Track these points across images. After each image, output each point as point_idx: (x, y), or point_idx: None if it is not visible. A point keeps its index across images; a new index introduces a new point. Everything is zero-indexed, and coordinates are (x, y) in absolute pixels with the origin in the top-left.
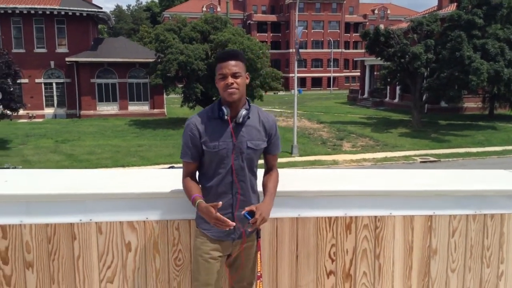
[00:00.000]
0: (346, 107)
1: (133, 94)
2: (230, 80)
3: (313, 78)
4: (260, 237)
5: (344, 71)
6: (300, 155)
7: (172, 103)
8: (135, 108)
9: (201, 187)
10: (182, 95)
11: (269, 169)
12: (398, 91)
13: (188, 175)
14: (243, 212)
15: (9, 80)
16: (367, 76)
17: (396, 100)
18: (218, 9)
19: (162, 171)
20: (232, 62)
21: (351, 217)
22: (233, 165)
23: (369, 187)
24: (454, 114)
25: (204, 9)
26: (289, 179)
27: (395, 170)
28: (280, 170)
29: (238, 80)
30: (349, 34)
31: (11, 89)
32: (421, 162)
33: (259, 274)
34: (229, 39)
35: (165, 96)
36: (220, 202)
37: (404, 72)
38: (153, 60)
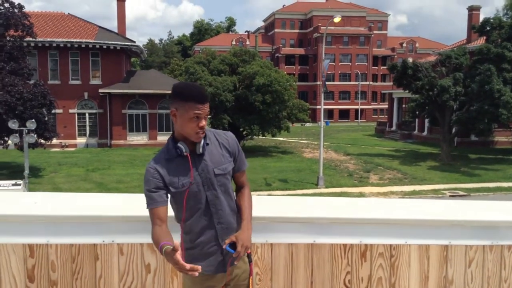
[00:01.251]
0: (374, 139)
1: (162, 124)
2: (204, 123)
3: (341, 110)
4: (252, 261)
5: (372, 103)
6: (326, 187)
7: None
8: (164, 138)
9: (184, 227)
10: (210, 125)
11: (240, 187)
12: (427, 124)
13: (157, 223)
14: (224, 247)
15: (44, 110)
16: (395, 109)
17: (425, 133)
18: (247, 42)
19: None
20: (207, 104)
21: (366, 245)
22: (207, 197)
23: (384, 216)
24: (484, 147)
25: (234, 42)
26: (305, 205)
27: (411, 199)
28: (295, 198)
29: (206, 122)
30: (377, 67)
31: (46, 118)
32: (450, 196)
33: None
34: (257, 71)
35: None
36: (199, 267)
37: (433, 105)
38: None
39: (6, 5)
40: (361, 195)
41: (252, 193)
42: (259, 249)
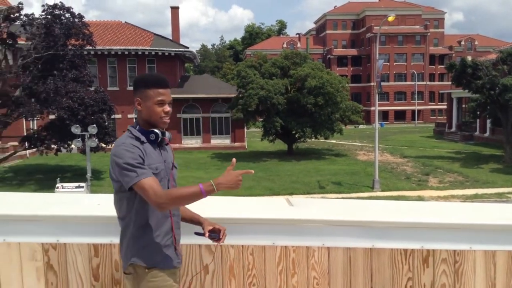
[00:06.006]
0: (432, 141)
1: (215, 128)
2: (169, 108)
3: (396, 111)
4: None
5: (430, 104)
6: (382, 190)
7: (253, 136)
8: (217, 141)
9: (137, 219)
10: (262, 128)
11: None
12: (489, 125)
13: (159, 185)
14: (207, 235)
15: (104, 115)
16: (454, 109)
17: (487, 134)
18: (298, 45)
19: (238, 198)
20: (169, 90)
21: (428, 250)
22: (169, 186)
23: (447, 220)
24: None
25: (285, 45)
26: (363, 209)
27: (474, 203)
28: (351, 200)
29: (171, 109)
30: (434, 66)
31: (106, 123)
32: None
33: None
34: (308, 73)
35: (245, 130)
36: (234, 159)
37: (495, 104)
38: (235, 95)
39: (67, 15)
40: (419, 198)
41: (305, 196)
42: (316, 253)
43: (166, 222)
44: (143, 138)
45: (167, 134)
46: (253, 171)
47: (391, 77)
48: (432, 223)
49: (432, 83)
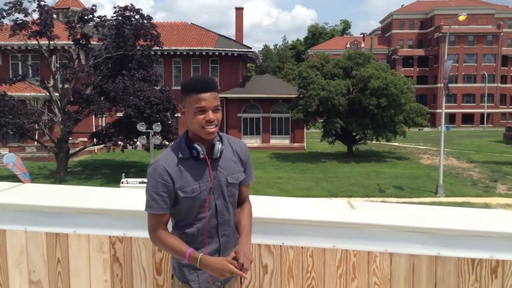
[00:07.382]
0: (502, 146)
1: (275, 128)
2: (212, 116)
3: (464, 114)
4: (242, 283)
5: (500, 107)
6: (446, 196)
7: (312, 137)
8: (276, 141)
9: (182, 238)
10: (322, 129)
11: (242, 201)
12: None
13: (161, 228)
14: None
15: (168, 113)
16: None
17: None
18: (362, 45)
19: (298, 199)
20: (213, 94)
21: (497, 261)
22: (217, 206)
23: None
24: None
25: (348, 45)
26: (428, 215)
27: None
28: (415, 206)
29: (218, 115)
30: (506, 68)
31: (170, 121)
32: None
33: None
34: (372, 74)
35: (305, 130)
36: (233, 253)
37: None
38: (296, 95)
39: (137, 16)
40: (486, 206)
41: (365, 199)
42: (377, 258)
43: (211, 244)
44: (184, 155)
45: (217, 146)
46: (247, 277)
47: (460, 79)
48: (503, 233)
49: (504, 85)
